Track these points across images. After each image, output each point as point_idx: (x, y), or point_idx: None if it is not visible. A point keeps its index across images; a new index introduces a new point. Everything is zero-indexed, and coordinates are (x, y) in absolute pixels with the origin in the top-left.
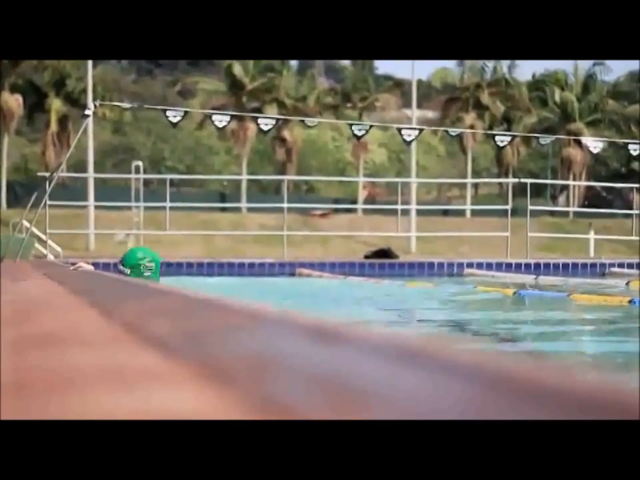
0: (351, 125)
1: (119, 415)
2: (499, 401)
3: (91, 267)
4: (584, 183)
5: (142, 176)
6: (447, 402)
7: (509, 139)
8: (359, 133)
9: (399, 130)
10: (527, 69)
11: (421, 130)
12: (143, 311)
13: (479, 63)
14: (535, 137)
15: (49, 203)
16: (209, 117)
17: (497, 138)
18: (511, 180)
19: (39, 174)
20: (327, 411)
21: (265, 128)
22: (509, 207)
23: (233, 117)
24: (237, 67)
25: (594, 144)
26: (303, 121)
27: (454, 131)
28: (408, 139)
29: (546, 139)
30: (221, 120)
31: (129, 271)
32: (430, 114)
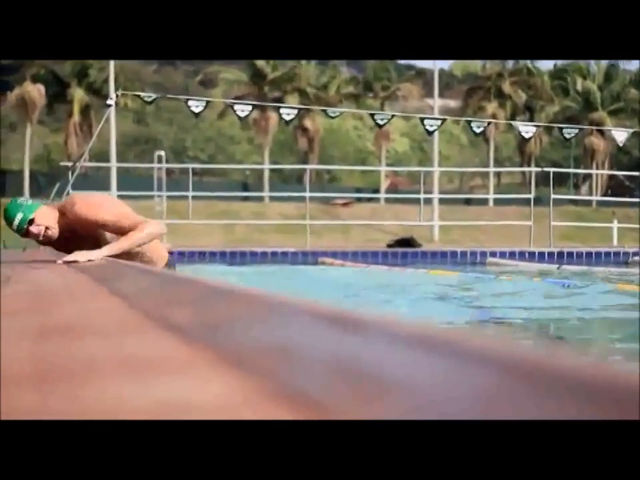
0: (372, 114)
1: (139, 403)
2: (524, 391)
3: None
4: (606, 172)
5: (164, 165)
6: (469, 391)
7: (534, 129)
8: (381, 122)
9: (422, 120)
10: None
11: (443, 120)
12: (164, 299)
13: None
14: (560, 127)
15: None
16: (231, 106)
17: (521, 129)
18: (534, 169)
19: (62, 164)
20: (349, 399)
21: (287, 118)
22: (531, 195)
23: (254, 106)
24: None
25: (620, 135)
26: (325, 111)
27: (478, 127)
28: (430, 129)
29: (570, 132)
30: (242, 110)
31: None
32: (452, 103)
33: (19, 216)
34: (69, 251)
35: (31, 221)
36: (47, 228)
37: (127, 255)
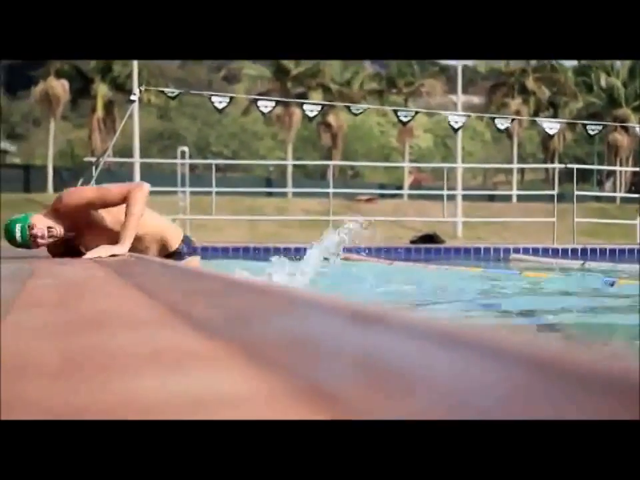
0: (396, 111)
1: (162, 397)
2: (543, 387)
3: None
4: (630, 169)
5: (188, 161)
6: (490, 388)
7: (558, 126)
8: (405, 119)
9: (447, 117)
10: None
11: (467, 116)
12: (187, 293)
13: None
14: (584, 124)
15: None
16: (254, 102)
17: (546, 125)
18: (557, 165)
19: (85, 159)
20: (370, 395)
21: (311, 114)
22: (555, 192)
23: (278, 102)
24: None
25: None
26: (349, 108)
27: (502, 123)
28: (455, 125)
29: (594, 128)
30: (266, 105)
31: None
32: (475, 99)
33: (18, 227)
34: (79, 249)
35: (31, 227)
36: (49, 228)
37: (145, 239)
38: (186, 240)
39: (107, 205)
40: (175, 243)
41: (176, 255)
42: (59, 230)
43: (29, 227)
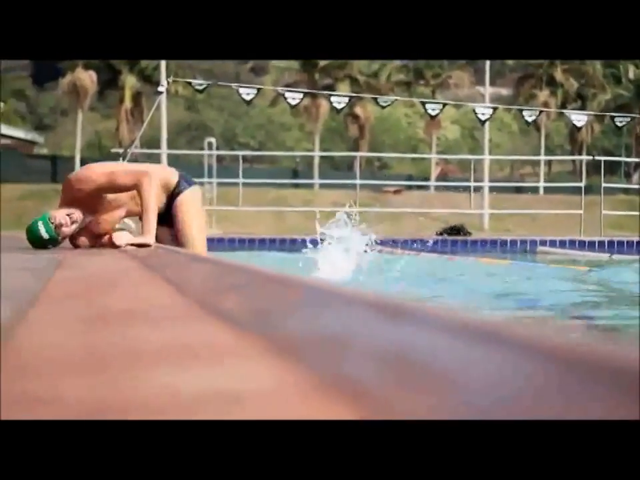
0: (424, 103)
1: (189, 390)
2: (570, 384)
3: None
4: None
5: (215, 152)
6: (517, 384)
7: (586, 118)
8: (433, 112)
9: (474, 109)
10: None
11: (495, 108)
12: (215, 286)
13: None
14: (612, 116)
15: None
16: (282, 94)
17: (573, 117)
18: (585, 157)
19: (113, 150)
20: (396, 389)
21: (339, 106)
22: (582, 184)
23: (305, 94)
24: None
25: None
26: (376, 100)
27: (530, 115)
28: (483, 118)
29: (622, 120)
30: (293, 97)
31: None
32: (503, 91)
33: (40, 224)
34: (100, 232)
35: (52, 219)
36: (68, 215)
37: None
38: (183, 176)
39: (116, 190)
40: (174, 182)
41: (176, 192)
42: (78, 214)
43: (49, 219)
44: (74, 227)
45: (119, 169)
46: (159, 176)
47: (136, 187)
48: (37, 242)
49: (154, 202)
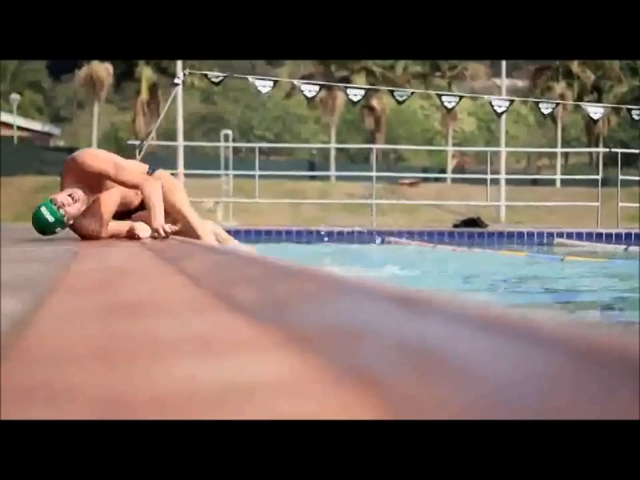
0: (440, 95)
1: (206, 382)
2: (587, 375)
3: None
4: None
5: (231, 144)
6: (535, 376)
7: (602, 110)
8: (449, 105)
9: (490, 101)
10: None
11: (511, 101)
12: (230, 278)
13: None
14: (629, 108)
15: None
16: (298, 86)
17: (590, 110)
18: (601, 149)
19: (129, 142)
20: (413, 381)
21: (355, 99)
22: (599, 176)
23: (322, 86)
24: None
25: None
26: (392, 94)
27: (546, 108)
28: (499, 110)
29: (639, 112)
30: (310, 90)
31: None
32: (519, 83)
33: (43, 209)
34: (101, 214)
35: (54, 201)
36: (69, 195)
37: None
38: (150, 165)
39: (117, 183)
40: (145, 169)
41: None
42: (79, 193)
43: (51, 202)
44: (77, 205)
45: (124, 164)
46: (141, 170)
47: (137, 188)
48: (45, 227)
49: (159, 203)
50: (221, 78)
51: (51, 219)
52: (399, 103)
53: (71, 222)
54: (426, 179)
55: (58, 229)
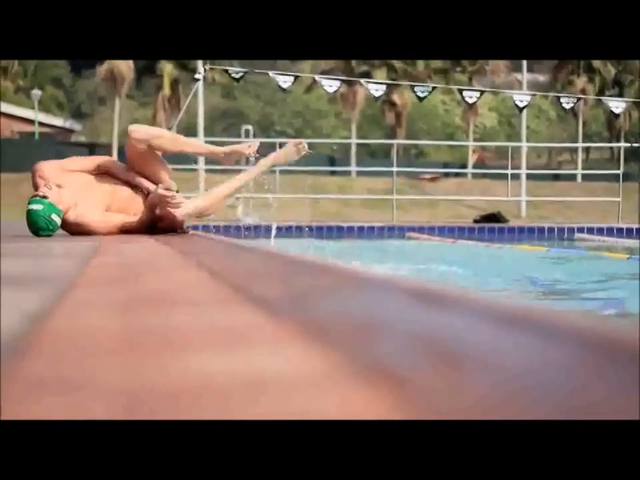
0: (461, 90)
1: (224, 375)
2: (606, 370)
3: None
4: None
5: (251, 140)
6: (553, 370)
7: (624, 105)
8: (471, 100)
9: (512, 96)
10: None
11: (533, 95)
12: (249, 272)
13: None
14: None
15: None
16: (319, 81)
17: (611, 104)
18: (623, 144)
19: None
20: (431, 375)
21: (376, 94)
22: (620, 171)
23: (342, 81)
24: None
25: None
26: (414, 90)
27: (567, 102)
28: (521, 105)
29: None
30: (331, 85)
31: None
32: (540, 77)
33: (33, 206)
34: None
35: (35, 194)
36: (45, 185)
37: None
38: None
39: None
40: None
41: None
42: (52, 182)
43: (34, 196)
44: (57, 189)
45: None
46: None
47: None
48: (38, 223)
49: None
50: (241, 74)
51: (39, 207)
52: (420, 99)
53: (62, 208)
54: (447, 174)
55: (54, 216)
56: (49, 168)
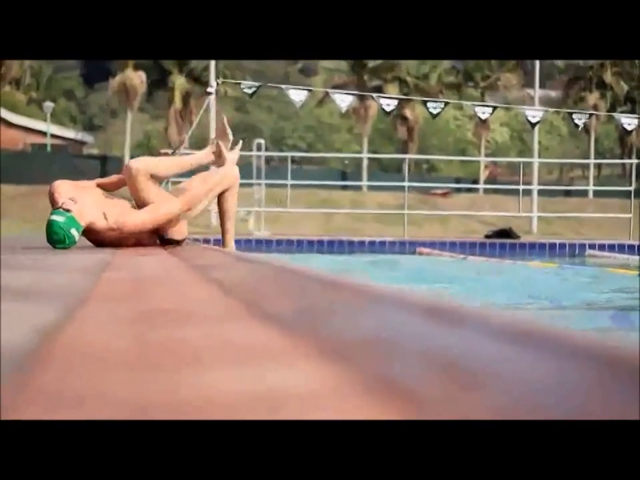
0: (474, 106)
1: (235, 392)
2: (620, 389)
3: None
4: None
5: (264, 153)
6: (566, 387)
7: (636, 121)
8: (483, 116)
9: (524, 112)
10: None
11: (545, 111)
12: (260, 287)
13: None
14: None
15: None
16: (332, 96)
17: (623, 121)
18: (635, 161)
19: (162, 150)
20: (441, 393)
21: (388, 109)
22: (632, 188)
23: (355, 96)
24: None
25: None
26: (426, 106)
27: (579, 119)
28: (533, 120)
29: None
30: (343, 99)
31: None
32: (552, 93)
33: (54, 217)
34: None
35: (55, 207)
36: (69, 199)
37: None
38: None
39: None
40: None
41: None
42: (68, 197)
43: (55, 210)
44: (73, 203)
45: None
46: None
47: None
48: (58, 234)
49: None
50: (254, 89)
51: (61, 219)
52: (433, 116)
53: (82, 222)
54: (458, 189)
55: (73, 230)
56: (65, 185)
